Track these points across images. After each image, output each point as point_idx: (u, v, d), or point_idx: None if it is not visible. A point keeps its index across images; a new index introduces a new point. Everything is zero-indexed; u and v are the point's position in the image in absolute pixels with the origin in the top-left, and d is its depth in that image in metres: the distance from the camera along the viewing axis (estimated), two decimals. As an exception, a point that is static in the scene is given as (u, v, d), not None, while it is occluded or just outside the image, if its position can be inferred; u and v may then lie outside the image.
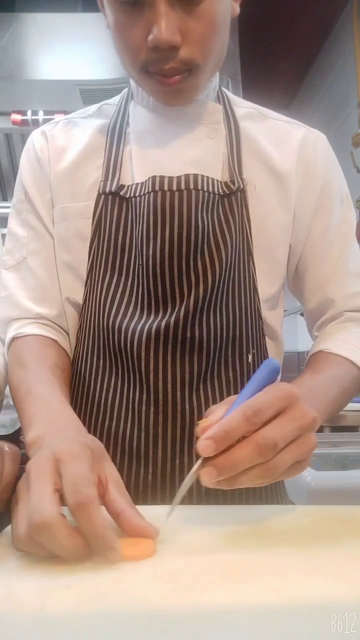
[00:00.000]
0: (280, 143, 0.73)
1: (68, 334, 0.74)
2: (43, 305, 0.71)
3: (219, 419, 0.44)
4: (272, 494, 0.71)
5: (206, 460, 0.42)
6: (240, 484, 0.43)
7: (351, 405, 2.15)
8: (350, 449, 1.50)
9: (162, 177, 0.65)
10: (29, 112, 2.05)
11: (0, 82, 1.98)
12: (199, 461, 0.43)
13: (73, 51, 1.96)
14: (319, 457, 1.44)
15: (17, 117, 2.03)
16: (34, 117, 2.02)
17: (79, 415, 0.70)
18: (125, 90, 0.77)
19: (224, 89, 0.77)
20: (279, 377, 0.79)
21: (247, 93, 2.09)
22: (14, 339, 0.69)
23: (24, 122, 2.00)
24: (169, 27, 0.57)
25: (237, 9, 0.67)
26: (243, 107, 0.77)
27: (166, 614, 0.32)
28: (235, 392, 0.67)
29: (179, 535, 0.45)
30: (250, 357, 0.69)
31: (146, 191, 0.66)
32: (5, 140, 2.20)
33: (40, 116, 2.01)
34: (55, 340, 0.70)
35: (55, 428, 0.51)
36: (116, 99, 0.78)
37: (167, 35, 0.58)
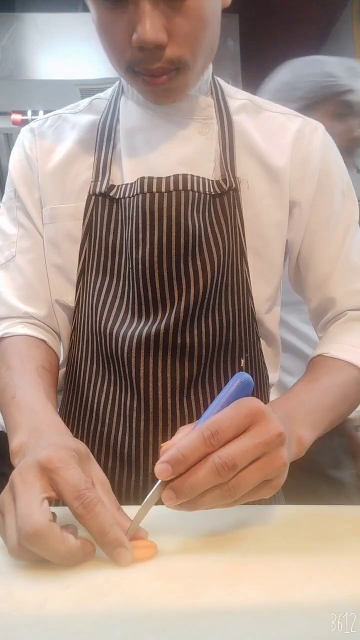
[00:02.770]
0: (275, 137, 0.71)
1: (58, 334, 0.73)
2: (31, 305, 0.70)
3: (177, 441, 0.43)
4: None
5: (166, 482, 0.41)
6: (202, 506, 0.41)
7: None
8: (350, 449, 1.49)
9: (150, 178, 0.64)
10: (29, 112, 2.05)
11: (0, 82, 1.98)
12: (157, 484, 0.42)
13: (73, 51, 1.96)
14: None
15: (17, 117, 2.03)
16: (34, 117, 2.02)
17: (70, 419, 0.69)
18: (117, 83, 0.75)
19: (217, 79, 0.74)
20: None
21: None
22: (1, 339, 0.68)
23: (24, 122, 2.00)
24: (153, 25, 0.54)
25: None
26: (237, 98, 0.74)
27: (166, 614, 0.32)
28: None
29: (179, 535, 0.45)
30: (242, 361, 0.67)
31: (135, 193, 0.64)
32: (6, 140, 2.20)
33: (40, 116, 2.01)
34: (43, 341, 0.69)
35: (38, 434, 0.51)
36: (108, 92, 0.76)
37: (151, 35, 0.54)
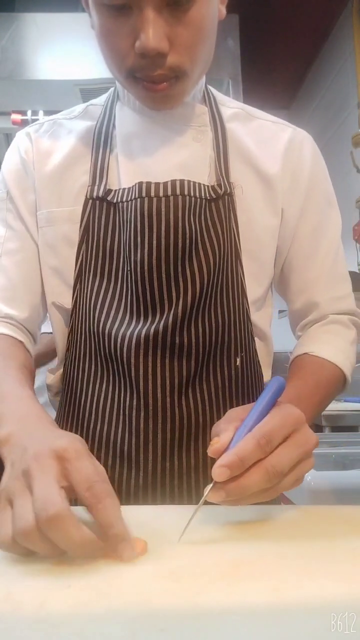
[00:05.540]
0: (267, 145, 0.73)
1: (35, 339, 0.74)
2: (13, 307, 0.71)
3: (229, 440, 0.46)
4: None
5: (217, 482, 0.44)
6: (244, 504, 0.45)
7: (351, 405, 2.15)
8: (350, 449, 1.49)
9: (148, 183, 0.65)
10: (29, 112, 2.05)
11: (0, 82, 1.98)
12: (210, 485, 0.44)
13: (73, 51, 1.96)
14: (319, 457, 1.44)
15: (17, 117, 2.03)
16: (34, 117, 2.02)
17: (69, 419, 0.71)
18: (112, 89, 0.76)
19: (210, 88, 0.76)
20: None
21: (247, 94, 2.10)
22: None
23: (24, 122, 2.00)
24: (156, 33, 0.56)
25: (224, 12, 0.65)
26: (230, 106, 0.76)
27: (166, 614, 0.32)
28: (224, 396, 0.68)
29: (178, 535, 0.45)
30: (238, 360, 0.69)
31: (133, 197, 0.65)
32: (5, 140, 2.20)
33: (40, 116, 2.01)
34: (21, 342, 0.70)
35: (27, 425, 0.51)
36: (102, 99, 0.77)
37: (154, 43, 0.56)
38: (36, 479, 0.41)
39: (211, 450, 0.46)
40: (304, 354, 0.70)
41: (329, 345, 0.70)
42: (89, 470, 0.41)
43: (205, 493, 0.44)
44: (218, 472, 0.43)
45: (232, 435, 0.46)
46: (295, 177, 0.73)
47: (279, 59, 3.00)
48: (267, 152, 0.73)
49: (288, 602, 0.33)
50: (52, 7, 2.02)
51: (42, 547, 0.39)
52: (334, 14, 2.70)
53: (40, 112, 2.04)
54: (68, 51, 1.97)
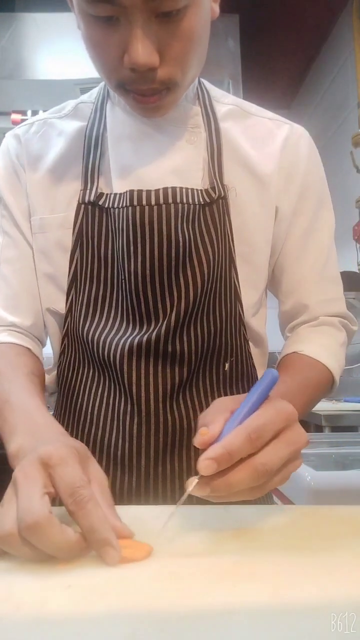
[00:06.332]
0: (262, 143, 0.72)
1: (41, 342, 0.74)
2: (16, 315, 0.70)
3: (218, 432, 0.44)
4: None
5: (203, 476, 0.42)
6: (229, 500, 0.44)
7: (351, 405, 2.15)
8: (350, 449, 1.49)
9: (139, 191, 0.64)
10: (29, 112, 2.05)
11: (0, 82, 1.98)
12: (195, 478, 0.42)
13: (73, 51, 1.96)
14: (319, 457, 1.44)
15: (17, 117, 2.03)
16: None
17: (64, 422, 0.70)
18: (102, 84, 0.74)
19: (204, 83, 0.74)
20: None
21: (247, 93, 2.10)
22: None
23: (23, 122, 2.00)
24: (145, 48, 0.54)
25: (217, 10, 0.62)
26: (225, 103, 0.74)
27: (166, 614, 0.32)
28: (213, 400, 0.67)
29: (179, 535, 0.45)
30: (227, 365, 0.69)
31: (124, 204, 0.64)
32: (5, 140, 2.19)
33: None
34: (28, 349, 0.69)
35: (36, 437, 0.51)
36: (93, 95, 0.75)
37: (144, 58, 0.54)
38: (21, 486, 0.41)
39: (199, 442, 0.44)
40: (293, 352, 0.69)
41: (319, 346, 0.69)
42: (71, 476, 0.41)
43: (190, 487, 0.42)
44: (204, 464, 0.41)
45: (222, 428, 0.44)
46: (290, 176, 0.72)
47: (279, 59, 3.00)
48: (262, 151, 0.71)
49: (288, 602, 0.33)
50: (52, 7, 2.02)
51: (23, 552, 0.39)
52: (334, 14, 2.69)
53: (40, 112, 2.03)
54: (68, 51, 1.97)
